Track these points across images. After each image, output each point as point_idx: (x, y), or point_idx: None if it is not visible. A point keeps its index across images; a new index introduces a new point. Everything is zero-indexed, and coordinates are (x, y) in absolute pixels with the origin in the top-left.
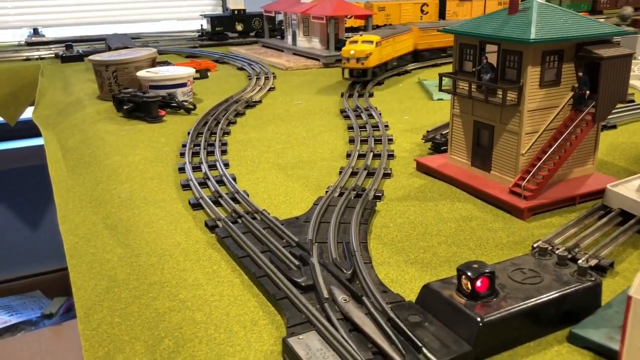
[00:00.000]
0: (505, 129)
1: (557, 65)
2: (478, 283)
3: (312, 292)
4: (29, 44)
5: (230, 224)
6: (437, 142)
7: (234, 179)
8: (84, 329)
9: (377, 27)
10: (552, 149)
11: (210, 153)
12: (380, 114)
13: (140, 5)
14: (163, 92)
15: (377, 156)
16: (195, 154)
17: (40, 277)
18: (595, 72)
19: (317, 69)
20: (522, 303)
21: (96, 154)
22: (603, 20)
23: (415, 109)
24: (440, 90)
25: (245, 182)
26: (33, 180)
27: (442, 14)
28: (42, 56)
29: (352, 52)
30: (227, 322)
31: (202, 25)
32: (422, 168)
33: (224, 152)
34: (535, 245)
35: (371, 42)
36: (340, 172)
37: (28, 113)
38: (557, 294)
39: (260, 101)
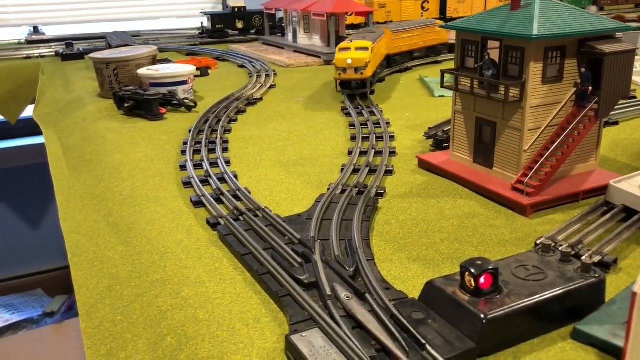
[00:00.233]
0: (507, 125)
1: (560, 61)
2: (481, 280)
3: (315, 289)
4: (30, 42)
5: (232, 221)
6: (439, 139)
7: (236, 177)
8: (86, 327)
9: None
10: (554, 146)
11: (212, 151)
12: (381, 111)
13: (140, 3)
14: (164, 90)
15: (378, 153)
16: (197, 151)
17: (41, 276)
18: (598, 68)
19: (318, 66)
20: (525, 300)
21: (97, 152)
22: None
23: (416, 106)
24: (442, 87)
25: (246, 179)
26: (34, 178)
27: (442, 11)
28: (43, 54)
29: (349, 61)
30: (230, 319)
31: (202, 23)
32: (424, 165)
33: (225, 150)
34: (538, 242)
35: (366, 48)
36: (342, 170)
37: (28, 111)
38: (560, 291)
39: (261, 99)
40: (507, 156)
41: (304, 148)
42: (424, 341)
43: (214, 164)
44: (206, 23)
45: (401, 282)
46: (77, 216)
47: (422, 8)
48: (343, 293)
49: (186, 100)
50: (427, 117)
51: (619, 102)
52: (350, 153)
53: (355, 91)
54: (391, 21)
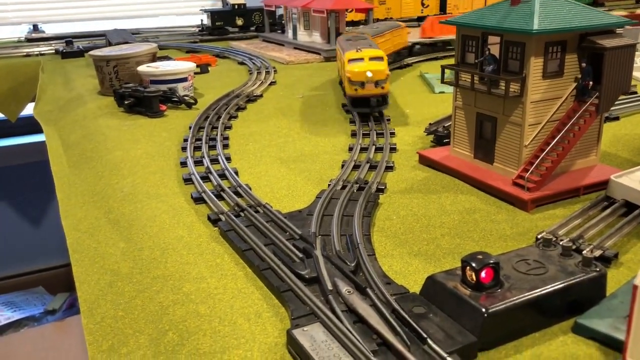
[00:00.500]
0: (508, 120)
1: (560, 56)
2: (483, 274)
3: (316, 284)
4: (29, 40)
5: (233, 217)
6: (440, 135)
7: (236, 173)
8: (87, 322)
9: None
10: (555, 141)
11: (212, 147)
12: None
13: (140, 0)
14: (164, 87)
15: (379, 149)
16: (197, 148)
17: (42, 274)
18: (599, 63)
19: (318, 63)
20: (527, 294)
21: (98, 149)
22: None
23: (416, 102)
24: (443, 82)
25: (247, 175)
26: (34, 176)
27: (442, 7)
28: (42, 52)
29: (369, 74)
30: (231, 314)
31: (202, 20)
32: (425, 161)
33: (225, 147)
34: (539, 237)
35: (381, 58)
36: (342, 166)
37: (28, 109)
38: (562, 285)
39: (261, 95)
40: (508, 151)
41: (304, 144)
42: (425, 335)
43: (214, 161)
44: (206, 20)
45: (402, 277)
46: (77, 213)
47: (422, 4)
48: (344, 288)
49: (186, 97)
50: (428, 113)
51: (620, 98)
52: (350, 149)
53: (374, 109)
54: (392, 18)
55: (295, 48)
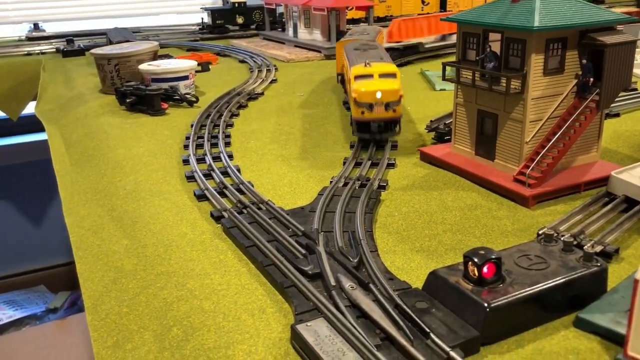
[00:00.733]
0: (509, 117)
1: (561, 53)
2: (485, 269)
3: (319, 280)
4: (30, 39)
5: (236, 214)
6: (441, 132)
7: (239, 170)
8: (92, 319)
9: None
10: (556, 137)
11: (214, 145)
12: None
13: None
14: (165, 85)
15: (380, 147)
16: (199, 146)
17: (44, 272)
18: (599, 60)
19: (319, 61)
20: (528, 288)
21: (100, 147)
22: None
23: (417, 100)
24: (444, 79)
25: (249, 173)
26: (35, 175)
27: (443, 5)
28: (43, 51)
29: (379, 94)
30: (235, 310)
31: (202, 19)
32: (426, 158)
33: (227, 144)
34: (540, 232)
35: (394, 75)
36: (344, 163)
37: (29, 108)
38: (563, 280)
39: (262, 93)
40: (509, 148)
41: (306, 142)
42: (428, 330)
43: (216, 158)
44: (206, 18)
45: (404, 273)
46: (81, 211)
47: (422, 2)
48: (347, 283)
49: (188, 95)
50: (428, 110)
51: (620, 94)
52: (352, 147)
53: (381, 135)
54: (392, 16)
55: (296, 46)
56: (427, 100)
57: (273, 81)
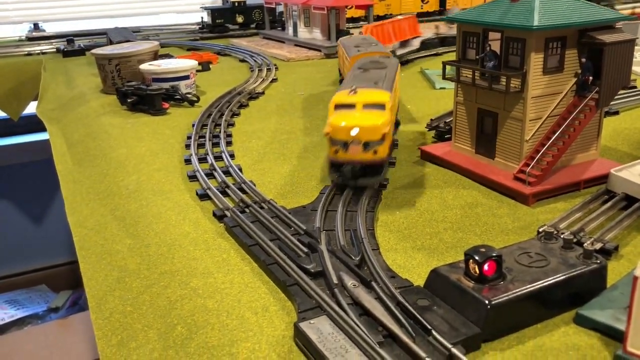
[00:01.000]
0: (509, 115)
1: (560, 52)
2: (485, 266)
3: (322, 278)
4: (30, 39)
5: (239, 213)
6: (441, 131)
7: (240, 170)
8: (96, 318)
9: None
10: (555, 135)
11: (216, 144)
12: None
13: None
14: (166, 85)
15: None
16: (201, 145)
17: (45, 271)
18: (599, 58)
19: (319, 60)
20: (529, 286)
21: (102, 147)
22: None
23: (417, 98)
24: (444, 78)
25: (251, 172)
26: (36, 175)
27: (442, 3)
28: (44, 51)
29: (354, 131)
30: (239, 308)
31: (202, 18)
32: (427, 156)
33: (229, 144)
34: (540, 230)
35: (382, 106)
36: None
37: (30, 109)
38: (563, 277)
39: (263, 92)
40: (509, 146)
41: (307, 141)
42: (429, 327)
43: (218, 158)
44: (206, 18)
45: (406, 271)
46: (83, 210)
47: (422, 0)
48: (349, 281)
49: (189, 95)
50: (429, 109)
51: (620, 92)
52: None
53: (359, 181)
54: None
55: (296, 45)
56: (427, 99)
57: (273, 80)
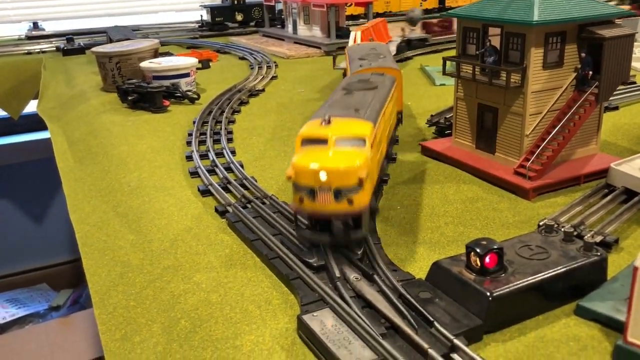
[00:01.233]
0: (509, 110)
1: (560, 47)
2: (487, 259)
3: (324, 272)
4: (30, 37)
5: (241, 208)
6: (441, 126)
7: (242, 166)
8: (100, 313)
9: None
10: (555, 130)
11: (217, 141)
12: None
13: None
14: (167, 83)
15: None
16: (202, 142)
17: (46, 270)
18: (598, 53)
19: (319, 57)
20: (530, 278)
21: (103, 145)
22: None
23: (417, 95)
24: (444, 74)
25: (252, 168)
26: (37, 174)
27: (442, 1)
28: (44, 49)
29: (322, 175)
30: (242, 302)
31: (201, 16)
32: (427, 152)
33: (230, 140)
34: (541, 223)
35: (361, 140)
36: None
37: (30, 107)
38: (564, 269)
39: (263, 90)
40: (509, 141)
41: None
42: (432, 319)
43: (219, 154)
44: (205, 16)
45: (408, 264)
46: (85, 207)
47: None
48: (352, 275)
49: (189, 93)
50: (429, 105)
51: (619, 87)
52: None
53: (336, 238)
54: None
55: (296, 42)
56: (427, 95)
57: (273, 77)
